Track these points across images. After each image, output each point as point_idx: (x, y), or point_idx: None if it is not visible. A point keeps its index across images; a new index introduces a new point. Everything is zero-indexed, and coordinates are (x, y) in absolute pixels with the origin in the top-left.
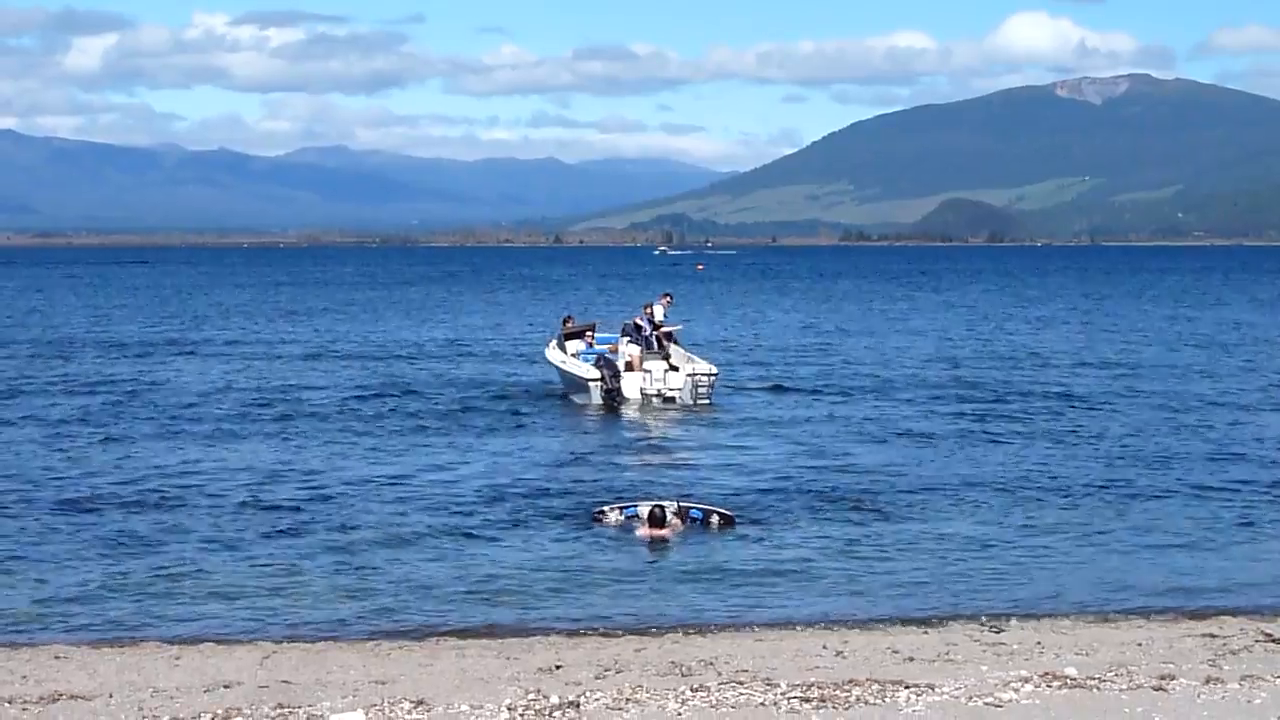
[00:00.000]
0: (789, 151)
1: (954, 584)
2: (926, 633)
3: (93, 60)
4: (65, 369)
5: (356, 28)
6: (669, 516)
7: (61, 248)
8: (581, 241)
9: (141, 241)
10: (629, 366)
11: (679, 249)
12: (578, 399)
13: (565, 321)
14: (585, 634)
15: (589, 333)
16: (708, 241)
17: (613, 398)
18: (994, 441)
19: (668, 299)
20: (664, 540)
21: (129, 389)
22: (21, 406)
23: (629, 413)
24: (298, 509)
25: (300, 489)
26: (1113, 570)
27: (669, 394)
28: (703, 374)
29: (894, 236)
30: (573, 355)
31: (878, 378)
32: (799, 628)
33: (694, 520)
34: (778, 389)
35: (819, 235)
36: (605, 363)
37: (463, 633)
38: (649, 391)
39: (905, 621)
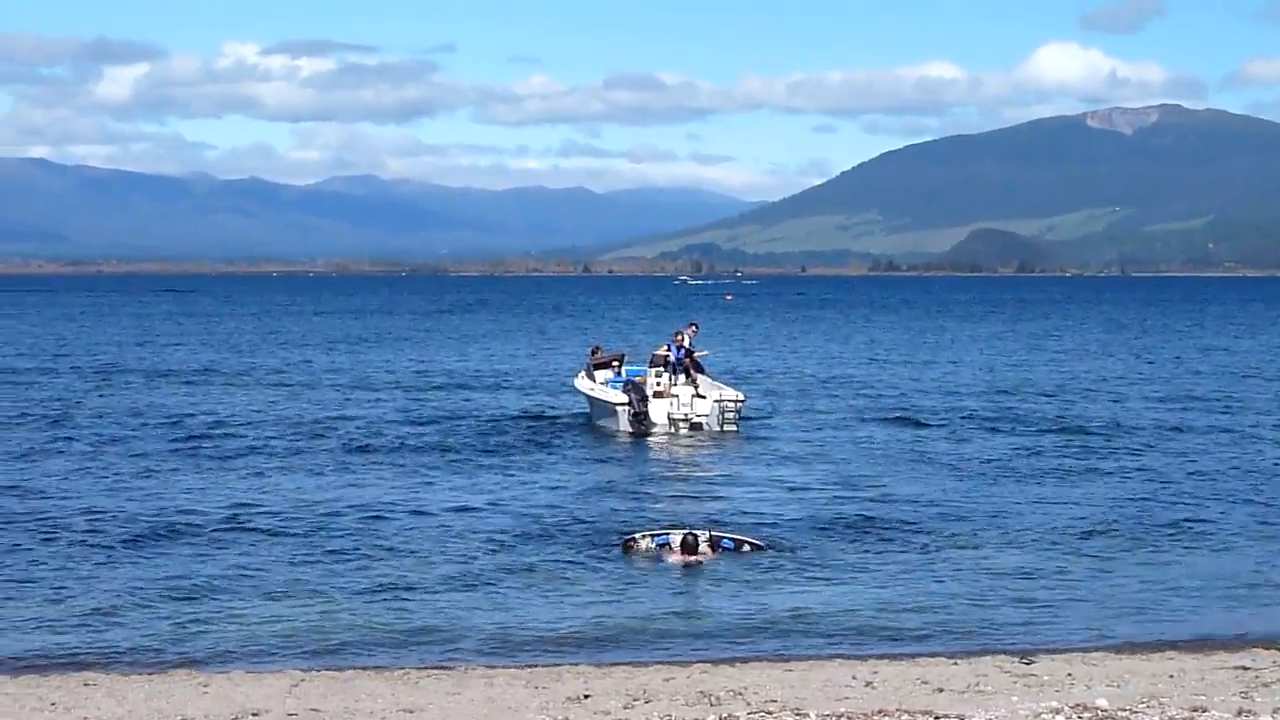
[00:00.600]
0: (819, 181)
1: (985, 615)
2: (956, 664)
3: (124, 89)
4: (110, 397)
5: (387, 57)
6: (700, 545)
7: (93, 276)
8: (610, 271)
9: (172, 270)
10: (657, 394)
11: (700, 279)
12: (605, 424)
13: (594, 351)
14: (614, 663)
15: (617, 362)
16: (738, 271)
17: (640, 422)
18: (1027, 473)
19: (694, 328)
20: (695, 568)
21: (171, 418)
22: (65, 433)
23: (656, 439)
24: (328, 537)
25: (329, 517)
26: (1145, 602)
27: (696, 420)
28: (729, 400)
29: (923, 266)
30: (601, 384)
31: (908, 407)
32: (828, 658)
33: (725, 549)
34: (807, 416)
35: (848, 265)
36: (633, 387)
37: (491, 661)
38: (676, 417)
39: (935, 652)
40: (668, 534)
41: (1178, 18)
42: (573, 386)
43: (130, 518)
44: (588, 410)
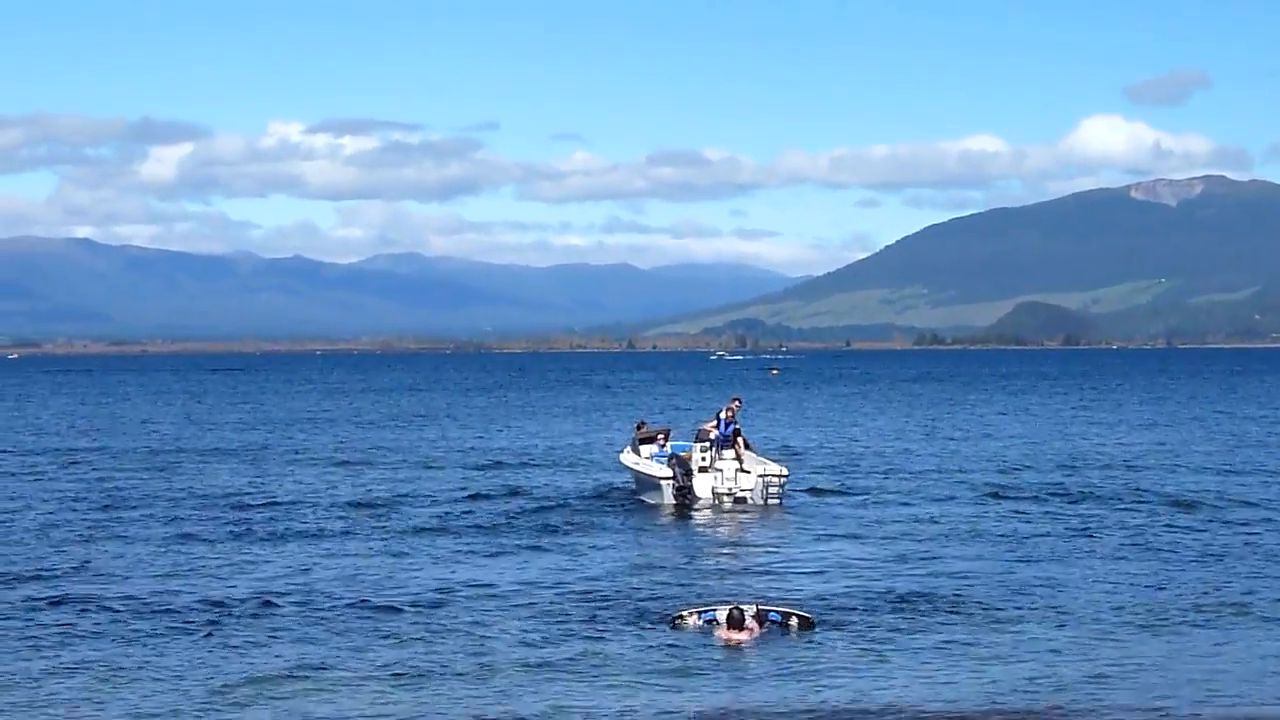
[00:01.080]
0: (862, 256)
1: (1034, 693)
2: None
3: (169, 169)
4: (168, 479)
5: (430, 135)
6: (747, 619)
7: (138, 355)
8: (654, 346)
9: (216, 349)
10: (702, 469)
11: (736, 353)
12: (650, 499)
13: (639, 426)
14: None
15: (662, 437)
16: (782, 346)
17: (684, 495)
18: (1082, 549)
19: (738, 403)
20: (742, 644)
21: (225, 497)
22: (124, 512)
23: (700, 513)
24: (368, 611)
25: (371, 592)
26: (1198, 680)
27: (740, 494)
28: (774, 475)
29: (968, 340)
30: (646, 458)
31: (950, 481)
32: None
33: (773, 623)
34: (854, 491)
35: (893, 339)
36: (678, 461)
37: None
38: (720, 491)
39: None
40: (715, 609)
41: (1222, 89)
42: (618, 462)
43: (197, 596)
44: (633, 486)
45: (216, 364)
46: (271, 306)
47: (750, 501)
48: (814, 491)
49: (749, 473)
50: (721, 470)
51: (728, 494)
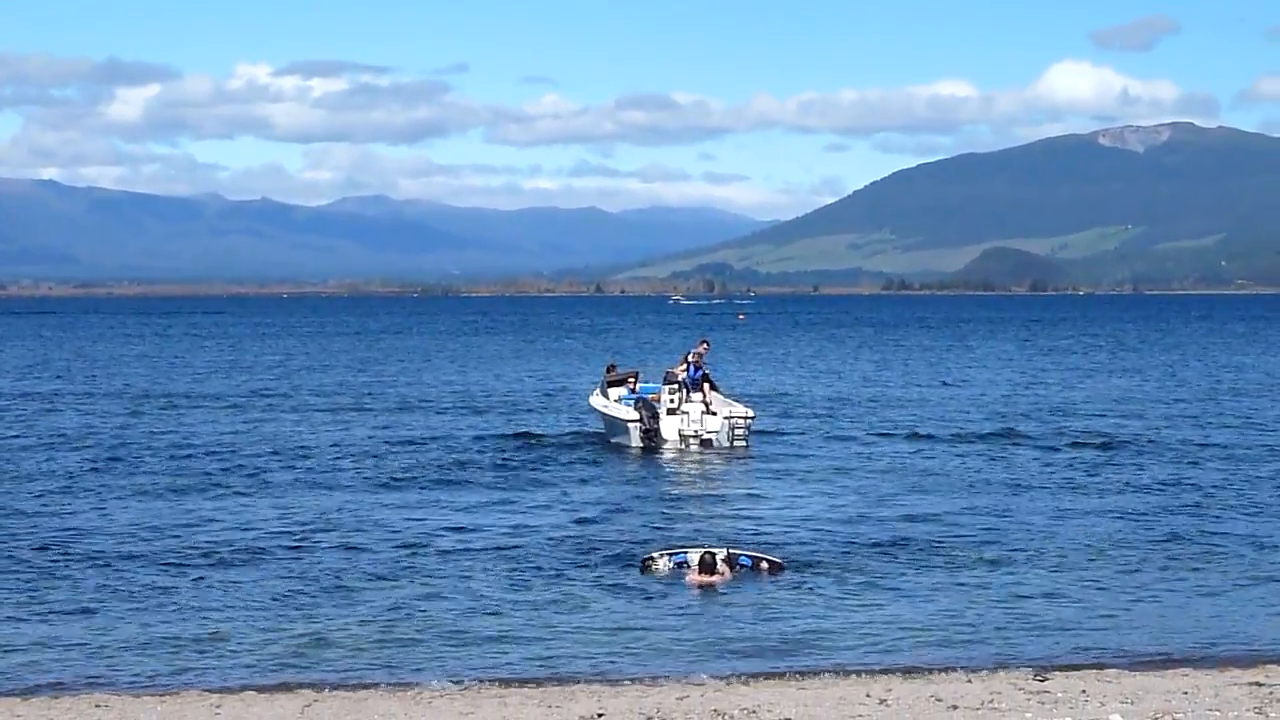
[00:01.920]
0: (831, 200)
1: (1000, 631)
2: (971, 681)
3: (135, 110)
4: (152, 425)
5: (399, 78)
6: (718, 564)
7: (104, 298)
8: (623, 291)
9: (183, 291)
10: (670, 411)
11: (693, 298)
12: (619, 441)
13: (609, 369)
14: (628, 682)
15: (632, 380)
16: (750, 290)
17: (651, 438)
18: (1046, 490)
19: (705, 345)
20: (713, 587)
21: (205, 444)
22: (87, 459)
23: (667, 456)
24: (341, 558)
25: (343, 539)
26: (1160, 618)
27: (706, 437)
28: (739, 417)
29: (936, 285)
30: (615, 401)
31: (917, 424)
32: (842, 675)
33: (742, 567)
34: (821, 433)
35: (861, 284)
36: (644, 404)
37: (505, 681)
38: (686, 434)
39: (949, 669)
40: (685, 552)
41: (1190, 36)
42: (589, 405)
43: (146, 544)
44: (603, 429)
45: (184, 307)
46: (239, 249)
47: (716, 444)
48: (780, 433)
49: (715, 414)
50: (688, 413)
51: (694, 436)
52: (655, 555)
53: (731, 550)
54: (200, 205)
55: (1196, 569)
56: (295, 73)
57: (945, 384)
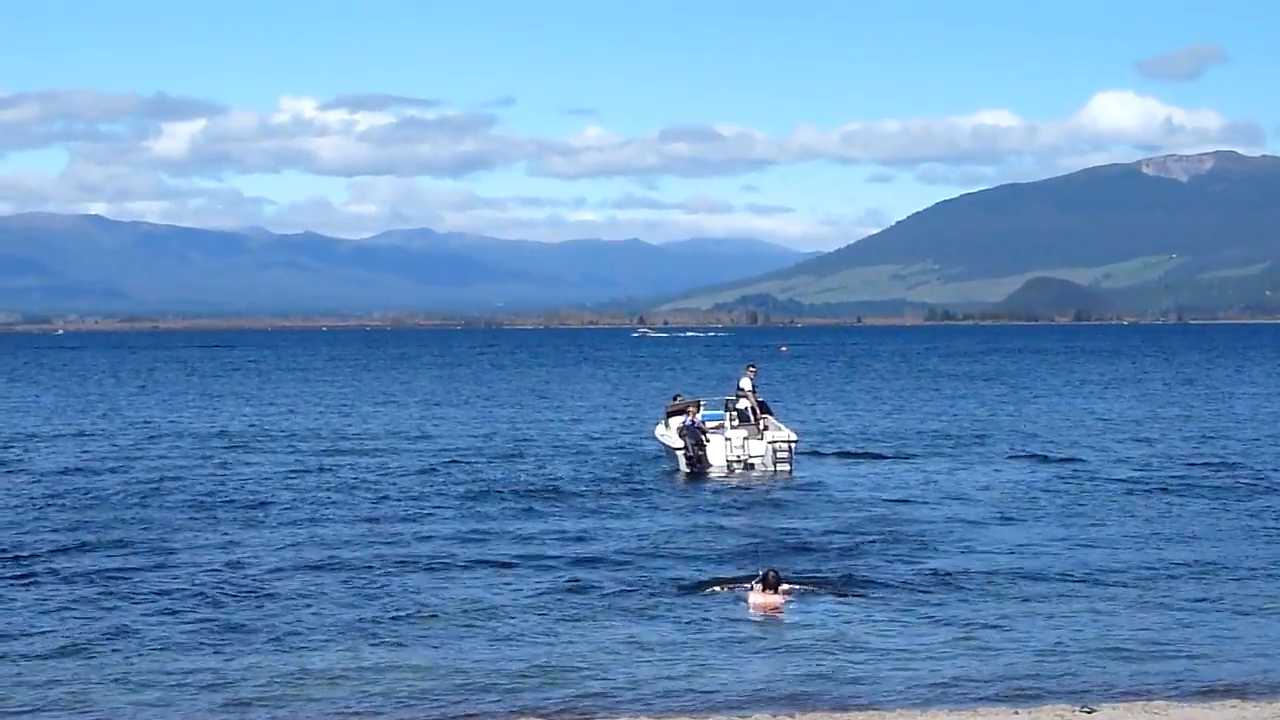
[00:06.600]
0: (874, 231)
1: (1045, 662)
2: (1018, 713)
3: (181, 145)
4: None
5: (445, 111)
6: (778, 586)
7: (150, 331)
8: (665, 322)
9: (227, 325)
10: (717, 437)
11: (660, 330)
12: (668, 468)
13: (675, 399)
14: (680, 713)
15: (693, 408)
16: (793, 321)
17: (696, 464)
18: (1101, 520)
19: (753, 369)
20: (773, 610)
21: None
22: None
23: (713, 480)
24: (393, 586)
25: (399, 566)
26: (1212, 650)
27: (750, 461)
28: (783, 441)
29: (979, 315)
30: (675, 430)
31: (965, 449)
32: (889, 708)
33: (799, 591)
34: (863, 456)
35: (904, 315)
36: (689, 431)
37: (560, 712)
38: (731, 459)
39: (996, 699)
40: (741, 577)
41: (1237, 65)
42: (653, 435)
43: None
44: (664, 455)
45: (228, 340)
46: (283, 282)
47: (761, 468)
48: (824, 456)
49: (760, 440)
50: (730, 439)
51: (738, 461)
52: (712, 580)
53: (782, 573)
54: (245, 239)
55: (1245, 601)
56: (341, 106)
57: (989, 406)
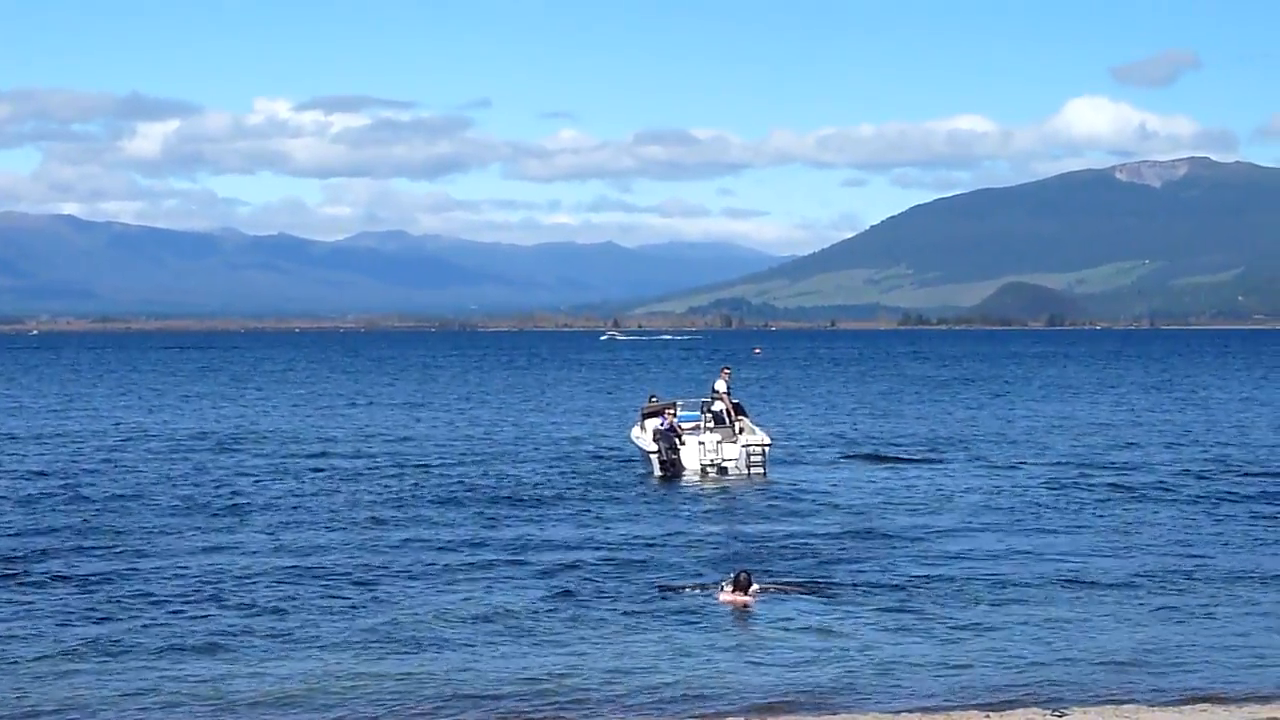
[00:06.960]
0: (849, 235)
1: (1018, 666)
2: (989, 717)
3: (155, 146)
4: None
5: (421, 113)
6: (749, 588)
7: (123, 333)
8: (640, 325)
9: (201, 326)
10: (688, 441)
11: (628, 334)
12: (643, 471)
13: (650, 400)
14: (659, 716)
15: (669, 410)
16: (767, 324)
17: (670, 468)
18: (1069, 523)
19: (727, 372)
20: (743, 608)
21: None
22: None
23: (687, 483)
24: (362, 591)
25: (378, 574)
26: (1176, 653)
27: (724, 464)
28: (756, 445)
29: (953, 320)
30: (651, 432)
31: (941, 453)
32: (862, 710)
33: (771, 593)
34: (836, 460)
35: (878, 319)
36: (663, 435)
37: (529, 714)
38: (704, 463)
39: (966, 706)
40: (707, 578)
41: (1211, 71)
42: (628, 437)
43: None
44: (639, 458)
45: (203, 342)
46: (257, 284)
47: (734, 471)
48: (797, 462)
49: (734, 443)
50: (704, 443)
51: (711, 464)
52: (678, 582)
53: (752, 574)
54: (219, 240)
55: (1211, 606)
56: (316, 108)
57: (959, 411)
